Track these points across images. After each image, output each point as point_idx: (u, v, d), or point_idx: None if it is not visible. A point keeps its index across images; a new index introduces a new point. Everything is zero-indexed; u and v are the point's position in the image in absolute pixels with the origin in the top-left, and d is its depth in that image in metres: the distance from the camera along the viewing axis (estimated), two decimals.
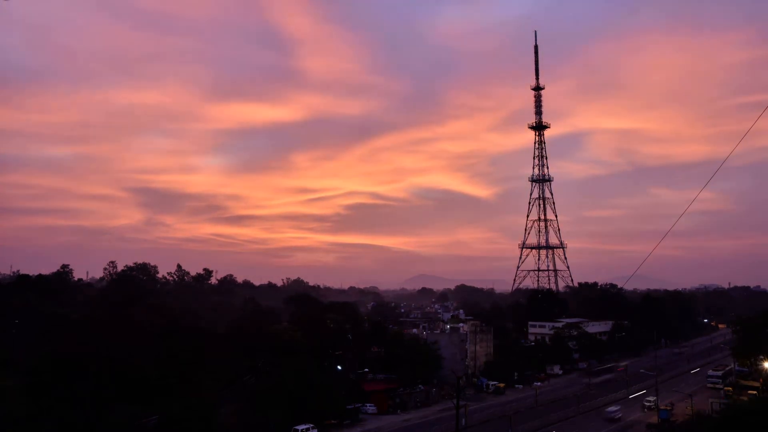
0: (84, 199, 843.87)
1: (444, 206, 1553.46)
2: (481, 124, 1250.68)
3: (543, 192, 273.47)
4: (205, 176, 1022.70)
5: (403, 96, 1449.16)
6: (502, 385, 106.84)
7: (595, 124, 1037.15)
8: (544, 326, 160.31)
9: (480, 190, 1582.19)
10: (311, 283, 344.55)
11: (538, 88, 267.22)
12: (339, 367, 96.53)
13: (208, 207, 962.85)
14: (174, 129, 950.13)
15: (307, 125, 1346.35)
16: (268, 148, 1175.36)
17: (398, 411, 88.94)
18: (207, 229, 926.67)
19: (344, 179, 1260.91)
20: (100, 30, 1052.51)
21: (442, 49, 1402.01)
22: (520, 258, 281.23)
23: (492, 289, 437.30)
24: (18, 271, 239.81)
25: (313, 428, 71.11)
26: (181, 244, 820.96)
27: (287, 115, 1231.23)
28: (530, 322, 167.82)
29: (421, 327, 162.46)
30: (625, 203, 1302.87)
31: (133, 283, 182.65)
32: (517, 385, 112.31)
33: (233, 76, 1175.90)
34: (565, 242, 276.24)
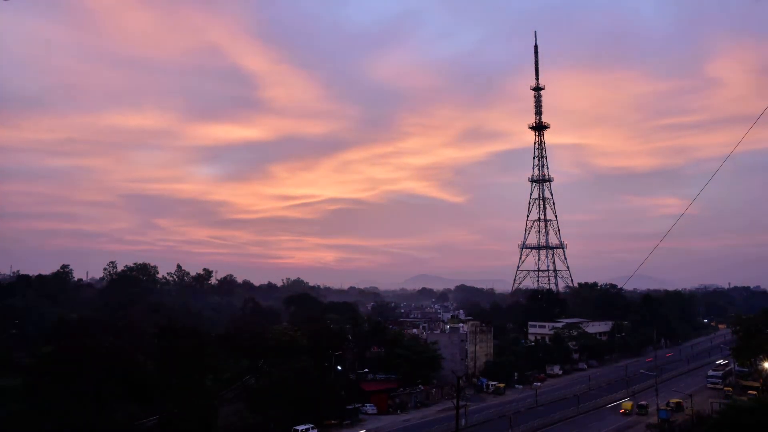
0: (81, 204, 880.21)
1: (425, 211, 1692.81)
2: (436, 141, 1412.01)
3: (543, 192, 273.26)
4: (192, 185, 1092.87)
5: (358, 119, 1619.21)
6: (502, 385, 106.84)
7: (558, 139, 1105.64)
8: (544, 326, 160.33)
9: (454, 197, 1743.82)
10: (311, 283, 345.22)
11: (538, 89, 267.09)
12: (339, 367, 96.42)
13: (200, 211, 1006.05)
14: (157, 146, 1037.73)
15: (278, 143, 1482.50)
16: (246, 161, 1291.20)
17: (398, 411, 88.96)
18: (202, 232, 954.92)
19: (322, 187, 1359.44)
20: (82, 68, 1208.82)
21: (382, 84, 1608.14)
22: (520, 258, 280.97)
23: (492, 289, 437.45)
24: (18, 271, 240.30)
25: (313, 428, 71.11)
26: (178, 245, 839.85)
27: (258, 134, 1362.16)
28: (530, 322, 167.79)
29: (421, 327, 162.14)
30: (599, 208, 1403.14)
31: (134, 283, 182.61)
32: (517, 385, 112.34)
33: (205, 104, 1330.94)
34: (565, 242, 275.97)
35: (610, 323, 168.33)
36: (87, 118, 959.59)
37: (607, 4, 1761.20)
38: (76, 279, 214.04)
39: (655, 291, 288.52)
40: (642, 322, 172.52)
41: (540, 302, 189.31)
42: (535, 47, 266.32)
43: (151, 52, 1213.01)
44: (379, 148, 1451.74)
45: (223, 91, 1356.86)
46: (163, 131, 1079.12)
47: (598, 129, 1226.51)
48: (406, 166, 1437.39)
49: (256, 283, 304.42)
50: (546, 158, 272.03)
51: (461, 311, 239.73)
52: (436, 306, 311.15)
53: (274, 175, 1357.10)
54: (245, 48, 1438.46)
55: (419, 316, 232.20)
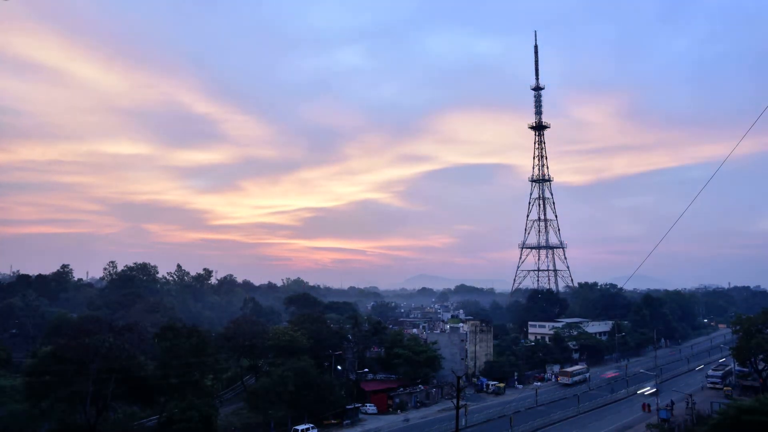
0: (77, 212, 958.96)
1: (399, 216, 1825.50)
2: (378, 161, 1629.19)
3: (543, 192, 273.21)
4: (174, 196, 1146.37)
5: (304, 146, 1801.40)
6: (502, 385, 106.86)
7: (473, 160, 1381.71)
8: (544, 326, 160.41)
9: (418, 206, 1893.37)
10: (311, 283, 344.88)
11: (537, 89, 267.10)
12: (339, 367, 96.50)
13: (188, 218, 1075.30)
14: (133, 167, 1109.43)
15: (241, 164, 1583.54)
16: (216, 178, 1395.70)
17: (398, 411, 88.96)
18: (196, 235, 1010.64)
19: (292, 198, 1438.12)
20: (60, 111, 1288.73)
21: (318, 122, 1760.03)
22: (520, 258, 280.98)
23: (492, 289, 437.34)
24: (18, 271, 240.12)
25: (313, 428, 71.14)
26: (176, 248, 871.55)
27: (221, 158, 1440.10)
28: (530, 322, 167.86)
29: (421, 327, 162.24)
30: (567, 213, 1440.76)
31: (134, 283, 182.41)
32: (517, 385, 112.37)
33: (169, 137, 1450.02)
34: (565, 242, 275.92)
35: (610, 323, 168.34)
36: (70, 146, 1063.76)
37: (500, 64, 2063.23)
38: (76, 279, 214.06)
39: (655, 291, 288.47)
40: (642, 322, 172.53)
41: (540, 302, 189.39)
42: (535, 47, 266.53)
43: (117, 101, 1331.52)
44: (331, 167, 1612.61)
45: (182, 128, 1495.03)
46: (137, 155, 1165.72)
47: (509, 153, 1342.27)
48: (360, 181, 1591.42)
49: (256, 283, 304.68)
50: (546, 158, 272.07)
51: (461, 311, 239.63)
52: (436, 306, 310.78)
53: (244, 189, 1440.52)
54: (195, 98, 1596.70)
55: (419, 316, 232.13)
